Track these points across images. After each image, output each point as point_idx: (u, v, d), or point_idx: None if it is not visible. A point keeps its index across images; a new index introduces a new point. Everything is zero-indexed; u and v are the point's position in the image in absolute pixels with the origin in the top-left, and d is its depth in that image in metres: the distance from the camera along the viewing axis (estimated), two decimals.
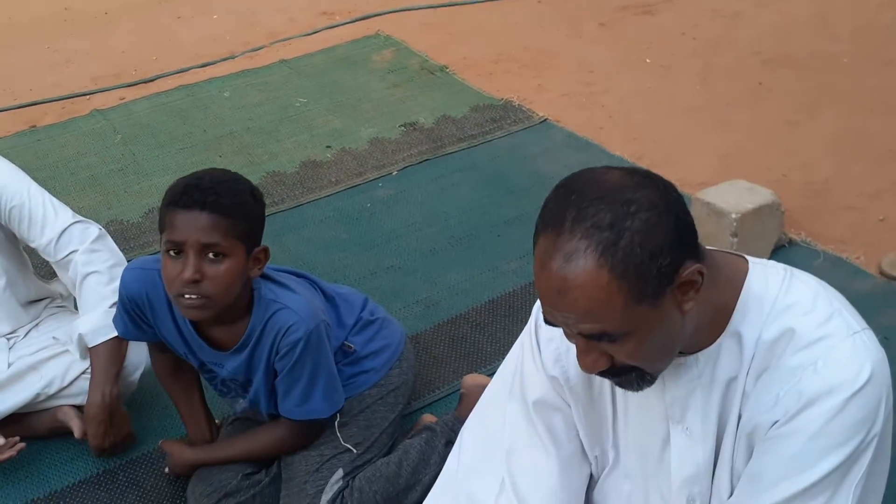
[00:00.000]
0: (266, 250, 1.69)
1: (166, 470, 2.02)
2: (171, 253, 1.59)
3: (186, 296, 1.59)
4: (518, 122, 3.43)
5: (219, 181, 1.63)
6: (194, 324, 1.74)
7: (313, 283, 1.91)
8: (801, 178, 2.99)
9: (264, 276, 1.76)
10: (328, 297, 1.92)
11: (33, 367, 2.12)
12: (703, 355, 1.21)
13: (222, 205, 1.58)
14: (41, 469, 2.13)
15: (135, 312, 1.80)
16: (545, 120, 3.43)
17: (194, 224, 1.57)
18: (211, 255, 1.58)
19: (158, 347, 1.92)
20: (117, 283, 2.07)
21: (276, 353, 1.71)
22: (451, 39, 4.18)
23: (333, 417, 1.84)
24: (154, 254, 1.86)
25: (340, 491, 1.79)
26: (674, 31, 4.08)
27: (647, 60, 3.87)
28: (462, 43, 4.14)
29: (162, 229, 1.62)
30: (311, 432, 1.83)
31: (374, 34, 4.27)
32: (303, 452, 1.83)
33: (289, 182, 3.16)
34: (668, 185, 1.12)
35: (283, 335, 1.68)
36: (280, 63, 4.05)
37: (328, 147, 3.38)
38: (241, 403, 1.88)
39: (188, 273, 1.57)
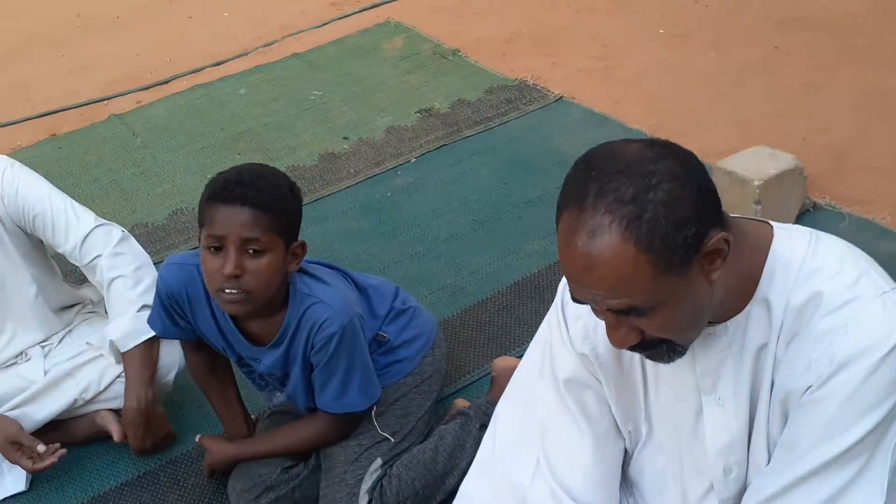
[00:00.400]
0: (303, 245, 1.71)
1: (206, 473, 2.04)
2: (212, 248, 1.61)
3: (227, 290, 1.61)
4: (534, 101, 3.42)
5: (259, 176, 1.63)
6: (233, 318, 1.76)
7: (346, 275, 1.92)
8: (822, 141, 2.96)
9: (299, 270, 1.77)
10: (360, 289, 1.93)
11: (69, 374, 2.16)
12: (732, 324, 1.21)
13: (263, 200, 1.59)
14: (83, 474, 2.17)
15: (173, 308, 1.81)
16: (561, 98, 3.42)
17: (235, 219, 1.58)
18: (251, 250, 1.59)
19: (193, 346, 1.94)
20: (143, 286, 2.11)
21: (312, 348, 1.72)
22: (462, 22, 4.16)
23: (370, 408, 1.86)
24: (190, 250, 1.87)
25: (379, 479, 1.81)
26: (685, 0, 4.03)
27: (661, 31, 3.83)
28: (473, 25, 4.12)
29: (202, 224, 1.63)
30: (349, 424, 1.85)
31: (384, 22, 4.26)
32: (341, 443, 1.84)
33: (308, 176, 3.17)
34: (688, 154, 1.12)
35: (318, 330, 1.69)
36: (293, 57, 4.06)
37: (345, 138, 3.39)
38: (279, 397, 1.90)
39: (229, 268, 1.58)
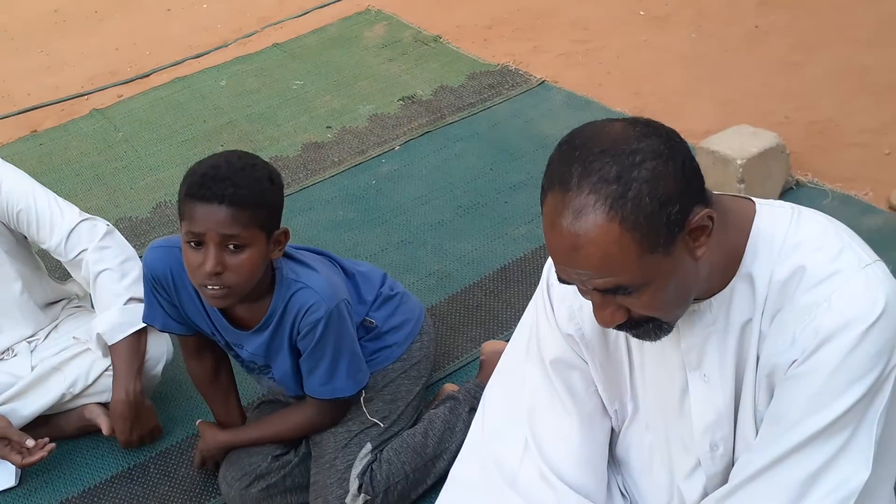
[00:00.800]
0: (286, 232, 1.69)
1: (198, 463, 2.04)
2: (192, 244, 1.59)
3: (209, 287, 1.60)
4: (516, 86, 3.42)
5: (236, 170, 1.59)
6: None
7: (333, 261, 1.92)
8: (804, 118, 2.97)
9: (286, 255, 1.76)
10: (348, 274, 1.93)
11: (56, 368, 2.15)
12: (717, 300, 1.21)
13: (242, 196, 1.56)
14: (73, 468, 2.16)
15: (162, 295, 1.80)
16: (543, 82, 3.41)
17: (213, 217, 1.55)
18: (231, 245, 1.58)
19: (194, 352, 1.92)
20: (129, 279, 2.11)
21: (298, 333, 1.72)
22: (443, 8, 4.15)
23: (359, 393, 1.86)
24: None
25: (369, 464, 1.82)
26: None
27: (641, 13, 3.83)
28: (453, 11, 4.11)
29: (181, 217, 1.62)
30: (338, 410, 1.85)
31: (364, 10, 4.24)
32: (331, 430, 1.85)
33: (292, 165, 3.16)
34: (670, 132, 1.12)
35: (304, 315, 1.69)
36: (273, 47, 4.03)
37: (328, 127, 3.38)
38: (268, 381, 1.89)
39: (209, 266, 1.57)
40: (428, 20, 4.04)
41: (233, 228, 1.56)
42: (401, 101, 3.45)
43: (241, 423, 1.99)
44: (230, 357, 1.94)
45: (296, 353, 1.78)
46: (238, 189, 1.56)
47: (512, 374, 1.50)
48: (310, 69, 3.80)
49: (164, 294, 1.80)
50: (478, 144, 3.12)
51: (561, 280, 1.16)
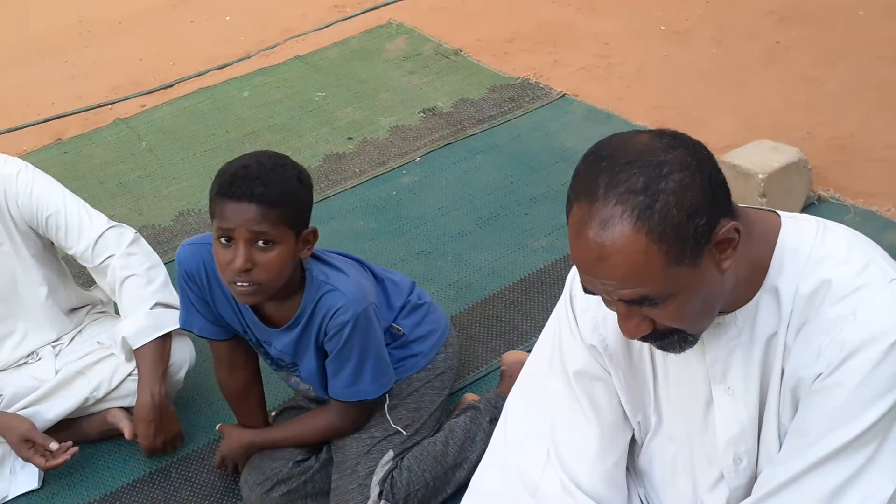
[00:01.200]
0: (315, 231, 1.71)
1: (215, 464, 2.06)
2: (223, 240, 1.62)
3: (239, 284, 1.62)
4: (536, 99, 3.43)
5: (266, 169, 1.62)
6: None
7: (363, 266, 1.93)
8: (825, 133, 2.97)
9: (316, 257, 1.78)
10: (378, 279, 1.95)
11: (80, 373, 2.17)
12: (742, 313, 1.21)
13: (270, 195, 1.59)
14: (95, 471, 2.18)
15: (194, 292, 1.81)
16: (563, 95, 3.43)
17: (243, 215, 1.58)
18: (261, 242, 1.60)
19: (226, 362, 1.93)
20: (155, 285, 2.13)
21: (325, 335, 1.73)
22: (463, 22, 4.18)
23: (383, 400, 1.87)
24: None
25: (390, 471, 1.83)
26: None
27: (662, 28, 3.84)
28: (474, 25, 4.13)
29: (213, 216, 1.64)
30: (361, 414, 1.86)
31: (385, 23, 4.28)
32: (354, 436, 1.86)
33: (313, 176, 3.12)
34: (697, 144, 1.13)
35: (332, 317, 1.71)
36: (295, 59, 4.07)
37: (349, 138, 3.40)
38: (295, 380, 1.90)
39: (239, 262, 1.59)
40: (449, 33, 4.07)
41: (262, 226, 1.58)
42: (421, 114, 3.47)
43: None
44: (260, 355, 1.95)
45: (322, 353, 1.79)
46: (267, 188, 1.59)
47: (534, 385, 1.50)
48: (331, 81, 3.84)
49: (196, 290, 1.81)
50: (498, 157, 3.14)
51: (586, 290, 1.16)
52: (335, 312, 1.70)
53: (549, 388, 1.45)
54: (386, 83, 3.75)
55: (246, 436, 1.92)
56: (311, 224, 1.71)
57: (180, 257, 1.81)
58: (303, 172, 1.69)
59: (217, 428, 1.99)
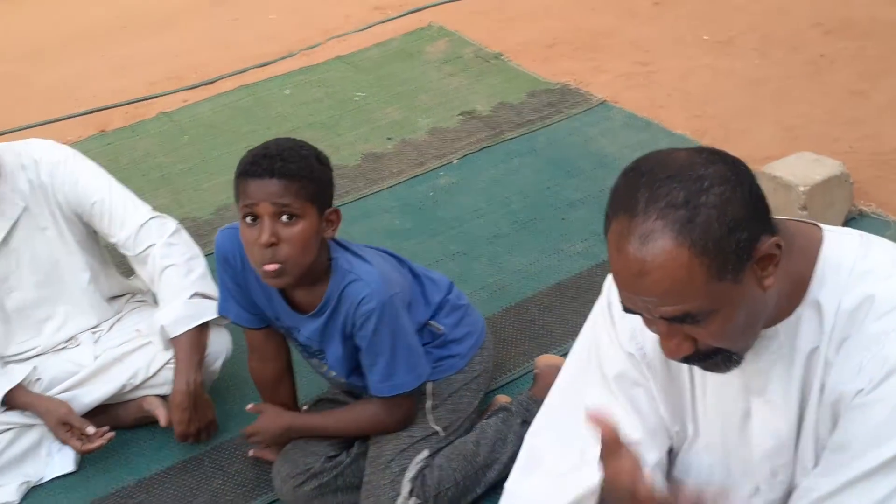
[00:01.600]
0: (337, 212, 1.74)
1: (250, 453, 2.08)
2: (248, 220, 1.65)
3: (266, 266, 1.65)
4: (576, 104, 3.43)
5: (284, 148, 1.68)
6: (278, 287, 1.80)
7: (401, 262, 1.95)
8: (868, 148, 2.93)
9: (343, 247, 1.80)
10: (415, 275, 1.96)
11: (118, 359, 2.21)
12: (783, 327, 1.20)
13: (290, 169, 1.64)
14: (130, 457, 2.21)
15: (230, 276, 1.85)
16: (604, 102, 3.42)
17: (265, 189, 1.63)
18: (284, 217, 1.63)
19: (259, 351, 1.97)
20: (195, 275, 2.16)
21: (353, 326, 1.75)
22: (504, 26, 4.19)
23: (425, 400, 1.88)
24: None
25: (422, 469, 1.84)
26: (729, 6, 4.02)
27: (705, 37, 3.82)
28: (515, 29, 4.14)
29: (237, 199, 1.68)
30: (404, 411, 1.86)
31: (426, 26, 4.30)
32: (394, 433, 1.87)
33: (351, 175, 3.21)
34: (735, 159, 1.12)
35: (357, 307, 1.72)
36: (337, 59, 4.11)
37: (388, 139, 3.42)
38: (325, 369, 1.91)
39: (264, 237, 1.62)
40: (490, 37, 4.07)
41: (284, 198, 1.63)
42: (460, 116, 3.48)
43: None
44: (291, 344, 1.97)
45: (348, 342, 1.81)
46: (287, 163, 1.65)
47: (570, 390, 1.49)
48: (372, 81, 3.86)
49: (231, 274, 1.85)
50: (536, 161, 3.14)
51: (626, 309, 1.15)
52: (360, 302, 1.72)
53: (589, 393, 1.43)
54: (426, 85, 3.77)
55: (285, 418, 1.94)
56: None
57: (217, 241, 1.85)
58: (321, 154, 1.75)
59: (249, 407, 1.98)
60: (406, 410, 1.87)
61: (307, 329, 1.82)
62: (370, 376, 1.81)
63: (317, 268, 1.74)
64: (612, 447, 1.18)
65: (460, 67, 3.86)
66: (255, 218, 1.64)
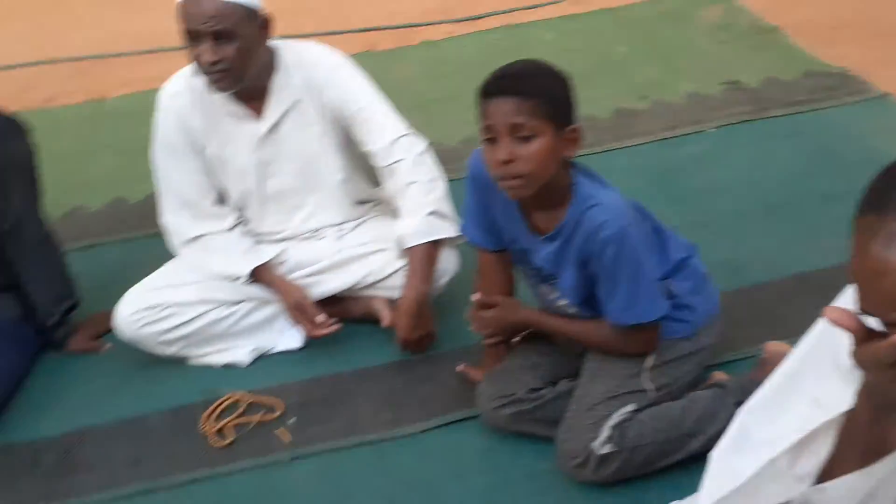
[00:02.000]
0: (578, 129, 1.73)
1: (461, 367, 2.16)
2: (487, 139, 1.70)
3: (505, 179, 1.70)
4: (854, 93, 3.17)
5: (523, 68, 1.72)
6: (520, 208, 1.84)
7: (643, 214, 1.92)
8: None
9: (586, 175, 1.80)
10: (657, 230, 1.93)
11: (356, 258, 2.36)
12: None
13: (525, 88, 1.66)
14: (350, 348, 2.36)
15: (477, 196, 1.92)
16: (886, 95, 3.14)
17: (501, 109, 1.65)
18: (520, 136, 1.66)
19: (487, 273, 2.02)
20: (435, 195, 2.24)
21: (590, 252, 1.75)
22: (786, 1, 3.93)
23: (646, 357, 1.87)
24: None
25: (625, 420, 1.83)
26: None
27: None
28: (797, 5, 3.88)
29: (480, 121, 1.73)
30: (638, 340, 1.85)
31: None
32: (607, 379, 1.87)
33: (601, 127, 3.17)
34: None
35: (596, 232, 1.72)
36: (605, 11, 4.05)
37: (643, 97, 3.34)
38: (555, 295, 1.92)
39: (501, 155, 1.66)
40: (769, 9, 3.85)
41: (518, 118, 1.64)
42: (723, 85, 3.33)
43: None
44: (524, 271, 1.99)
45: (582, 269, 1.80)
46: (522, 82, 1.67)
47: (796, 376, 1.42)
48: (636, 38, 3.78)
49: (478, 193, 1.91)
50: (799, 144, 2.95)
51: (862, 311, 1.08)
52: (599, 227, 1.71)
53: (814, 388, 1.36)
54: (692, 49, 3.64)
55: (523, 312, 1.97)
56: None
57: (470, 161, 1.91)
58: (562, 72, 1.74)
59: (476, 297, 2.00)
60: (646, 341, 1.86)
61: (542, 251, 1.84)
62: (609, 304, 1.80)
63: (557, 188, 1.75)
64: (861, 337, 1.12)
65: (732, 36, 3.68)
66: (494, 139, 1.69)
